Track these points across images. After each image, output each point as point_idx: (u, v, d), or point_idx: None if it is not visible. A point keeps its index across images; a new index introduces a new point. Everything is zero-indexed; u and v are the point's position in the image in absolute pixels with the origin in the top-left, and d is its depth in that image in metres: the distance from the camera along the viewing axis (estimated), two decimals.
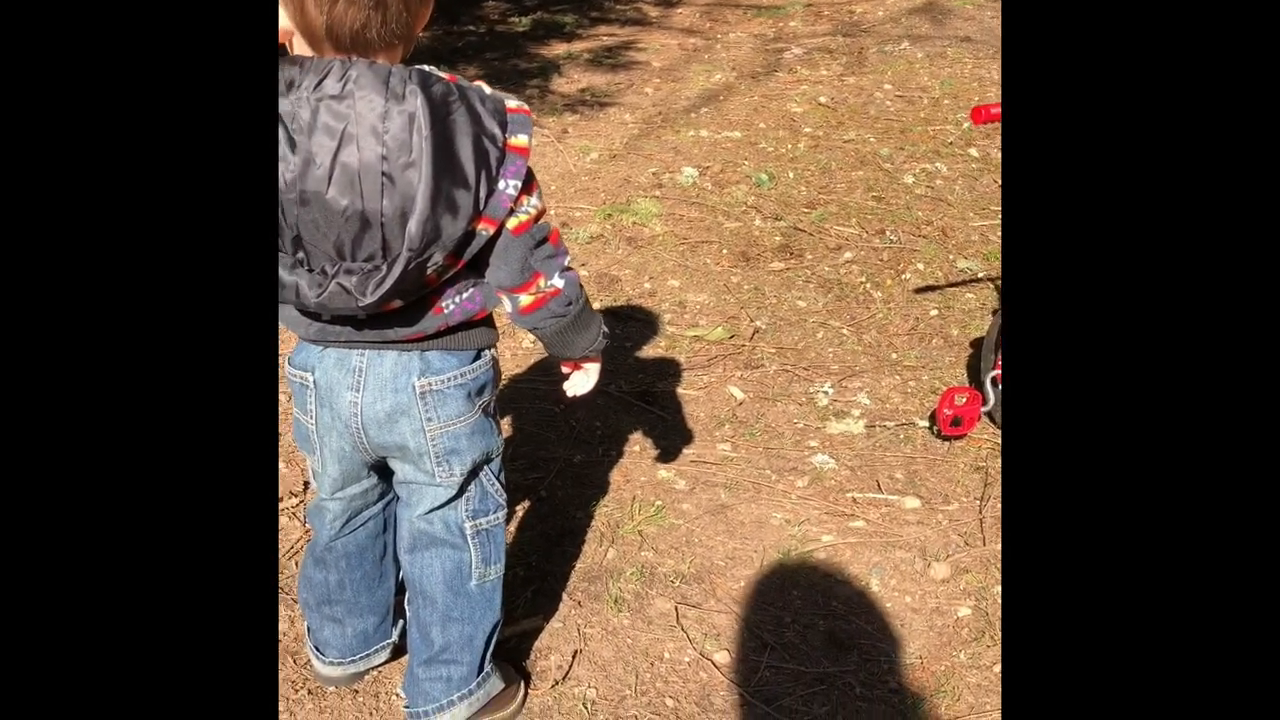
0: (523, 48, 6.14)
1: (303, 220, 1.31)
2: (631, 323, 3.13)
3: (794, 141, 4.64)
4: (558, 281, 1.48)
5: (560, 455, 2.52)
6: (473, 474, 1.61)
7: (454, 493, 1.61)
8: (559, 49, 6.17)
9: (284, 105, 1.28)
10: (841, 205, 3.99)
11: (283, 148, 1.28)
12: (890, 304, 3.27)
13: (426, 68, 1.34)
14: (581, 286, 1.53)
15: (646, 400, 2.74)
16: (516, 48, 6.12)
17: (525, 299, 1.48)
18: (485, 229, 1.37)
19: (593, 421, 2.65)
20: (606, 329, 1.59)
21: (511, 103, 1.39)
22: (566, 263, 1.50)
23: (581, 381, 1.66)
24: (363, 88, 1.27)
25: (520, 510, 2.30)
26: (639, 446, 2.55)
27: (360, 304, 1.32)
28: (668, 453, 2.52)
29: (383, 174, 1.29)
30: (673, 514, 2.30)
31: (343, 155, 1.28)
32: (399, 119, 1.27)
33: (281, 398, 2.71)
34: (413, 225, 1.29)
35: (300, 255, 1.35)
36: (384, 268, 1.32)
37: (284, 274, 1.34)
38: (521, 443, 2.54)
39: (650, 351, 3.00)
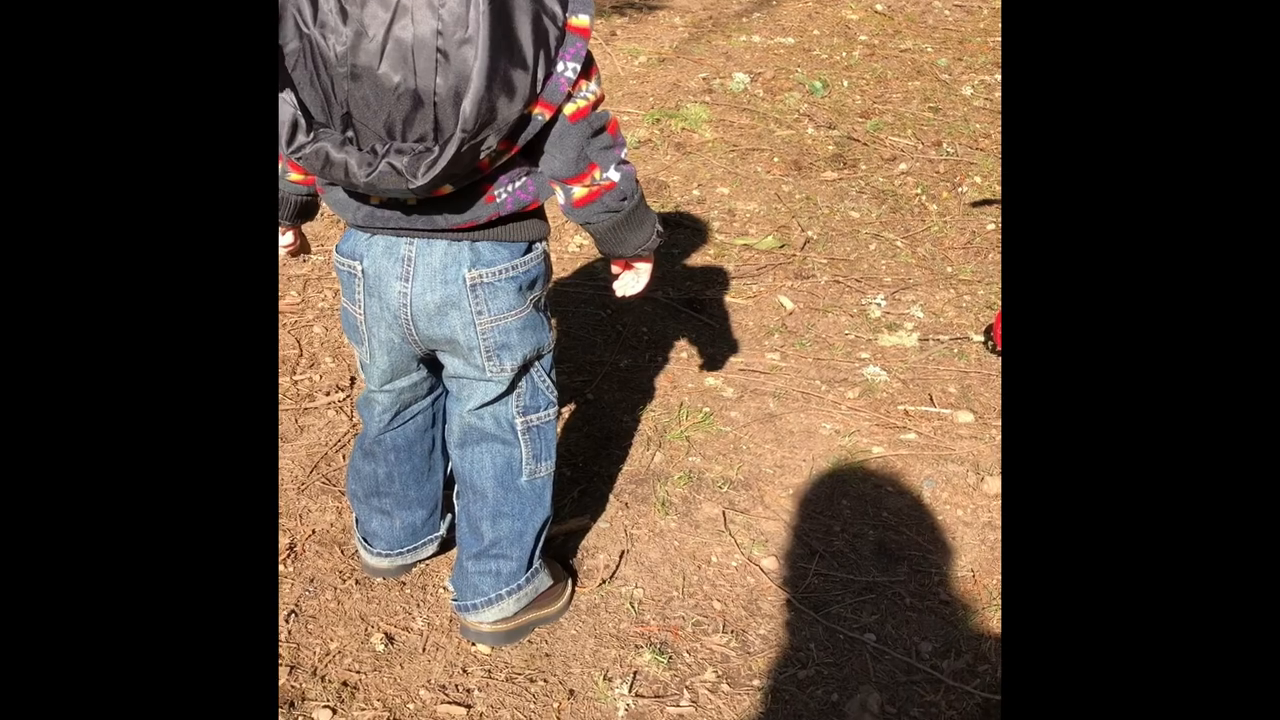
0: None
1: (353, 97, 1.26)
2: (680, 230, 3.06)
3: (849, 49, 4.50)
4: (613, 175, 1.42)
5: (607, 359, 2.48)
6: (524, 369, 1.58)
7: (505, 388, 1.58)
8: None
9: None
10: (897, 115, 3.87)
11: (334, 19, 1.22)
12: (946, 217, 3.18)
13: None
14: (637, 182, 1.47)
15: (694, 308, 2.69)
16: None
17: (579, 191, 1.42)
18: (541, 113, 1.31)
19: (639, 327, 2.61)
20: (661, 228, 1.54)
21: None
22: (623, 155, 1.44)
23: (632, 282, 1.61)
24: None
25: (567, 412, 2.28)
26: (686, 353, 2.52)
27: (411, 186, 1.27)
28: (716, 360, 2.48)
29: (437, 50, 1.22)
30: (720, 421, 2.27)
31: (396, 29, 1.22)
32: None
33: (329, 291, 2.70)
34: (467, 105, 1.23)
35: (349, 134, 1.30)
36: (436, 149, 1.27)
37: (333, 151, 1.29)
38: (568, 346, 2.51)
39: (698, 259, 2.94)
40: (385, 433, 1.69)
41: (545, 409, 1.64)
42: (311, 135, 1.29)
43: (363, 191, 1.35)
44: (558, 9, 1.28)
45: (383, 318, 1.51)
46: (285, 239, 1.67)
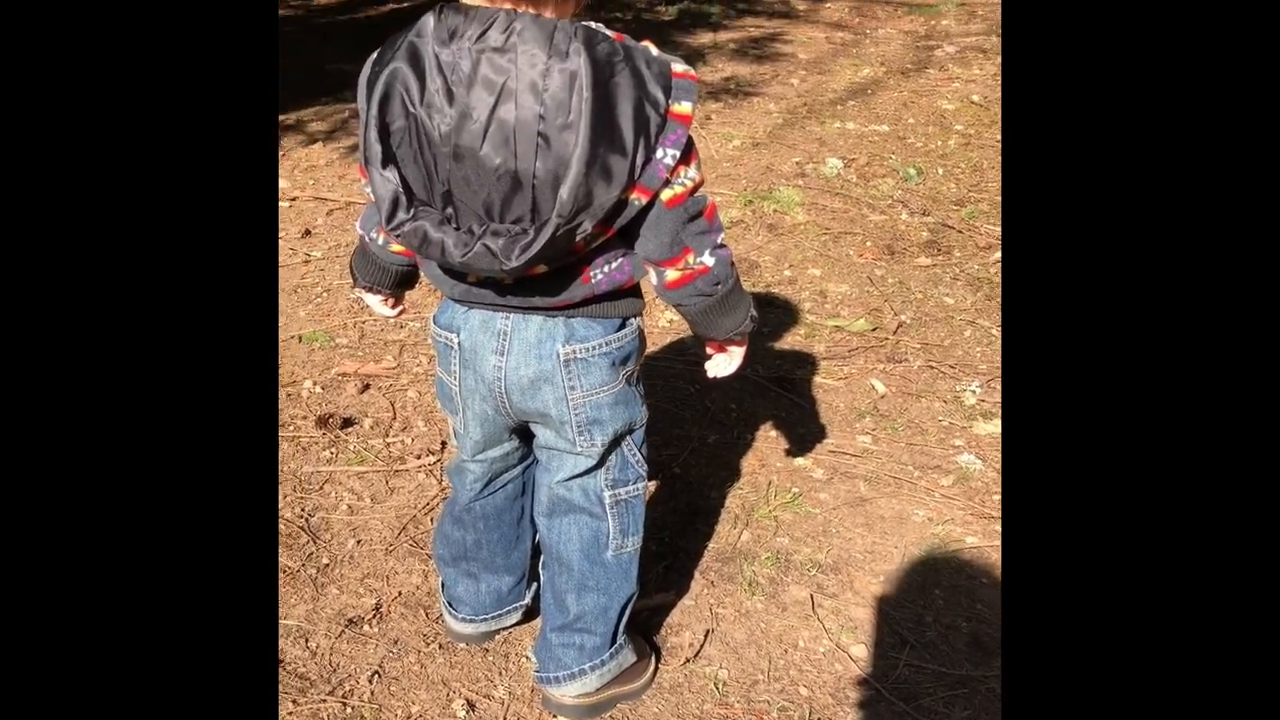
0: (668, 36, 6.12)
1: (454, 176, 1.29)
2: (771, 309, 3.06)
3: (944, 138, 4.50)
4: (707, 259, 1.42)
5: (695, 434, 2.48)
6: (614, 443, 1.58)
7: (594, 462, 1.58)
8: (704, 38, 6.14)
9: (445, 55, 1.25)
10: (993, 204, 3.85)
11: (440, 99, 1.25)
12: None
13: (593, 25, 1.29)
14: (733, 265, 1.47)
15: (784, 386, 2.68)
16: (662, 36, 6.11)
17: (672, 274, 1.43)
18: (638, 198, 1.31)
19: (728, 404, 2.60)
20: (755, 313, 1.53)
21: (678, 66, 1.33)
22: (719, 240, 1.43)
23: (724, 364, 1.60)
24: (526, 42, 1.23)
25: (654, 486, 2.27)
26: (775, 432, 2.50)
27: (505, 267, 1.28)
28: (805, 440, 2.45)
29: (539, 134, 1.24)
30: (809, 502, 2.24)
31: (500, 111, 1.24)
32: (560, 77, 1.23)
33: (423, 357, 2.75)
34: (564, 190, 1.24)
35: (449, 212, 1.32)
36: (531, 232, 1.28)
37: (431, 230, 1.31)
38: (656, 419, 2.50)
39: (789, 339, 2.94)
40: (476, 500, 1.70)
41: (634, 483, 1.64)
42: (411, 213, 1.31)
43: (458, 270, 1.38)
44: (660, 96, 1.29)
45: (477, 390, 1.53)
46: (390, 309, 1.71)
